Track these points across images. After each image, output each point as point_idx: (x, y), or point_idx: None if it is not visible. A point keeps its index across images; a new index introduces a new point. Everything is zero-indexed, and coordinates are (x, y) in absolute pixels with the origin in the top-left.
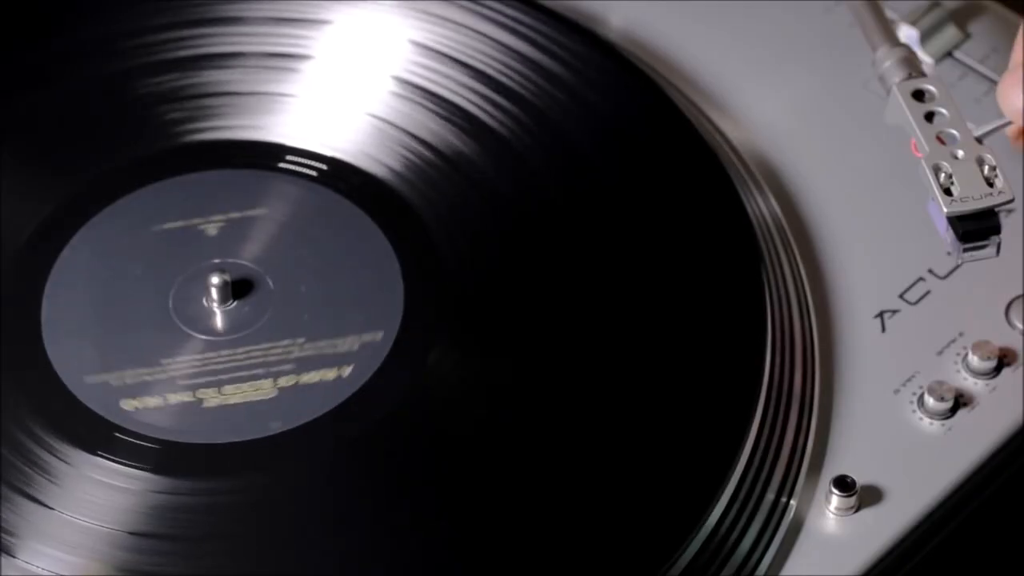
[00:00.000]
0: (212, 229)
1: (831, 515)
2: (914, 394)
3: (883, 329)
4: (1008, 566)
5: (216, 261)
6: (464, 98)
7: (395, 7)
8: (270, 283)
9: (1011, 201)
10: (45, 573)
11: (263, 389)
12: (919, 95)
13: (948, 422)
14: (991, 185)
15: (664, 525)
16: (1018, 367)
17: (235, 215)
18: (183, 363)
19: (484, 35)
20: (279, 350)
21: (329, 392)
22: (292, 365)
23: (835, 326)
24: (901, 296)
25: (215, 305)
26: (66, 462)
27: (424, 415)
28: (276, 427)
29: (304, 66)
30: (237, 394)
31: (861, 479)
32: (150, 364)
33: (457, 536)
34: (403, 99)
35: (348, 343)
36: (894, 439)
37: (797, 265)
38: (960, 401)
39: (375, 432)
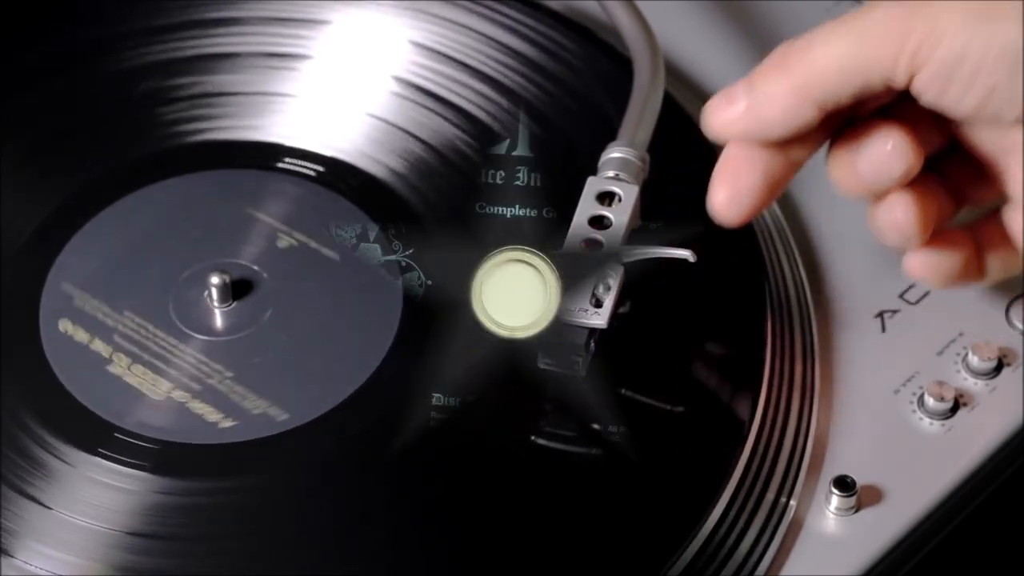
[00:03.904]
0: (212, 229)
1: (831, 515)
2: (914, 394)
3: (883, 329)
4: (1008, 566)
5: (216, 261)
6: (464, 98)
7: (394, 7)
8: (270, 283)
9: (602, 328)
10: (44, 573)
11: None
12: (606, 197)
13: (948, 422)
14: (597, 306)
15: (664, 525)
16: (1018, 367)
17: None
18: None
19: (484, 35)
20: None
21: (329, 392)
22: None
23: (835, 326)
24: (901, 296)
25: (215, 305)
26: (65, 462)
27: (424, 415)
28: (276, 427)
29: (304, 66)
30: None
31: (861, 479)
32: (150, 364)
33: (457, 536)
34: (402, 99)
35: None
36: (894, 439)
37: (797, 265)
38: (960, 401)
39: (376, 432)
